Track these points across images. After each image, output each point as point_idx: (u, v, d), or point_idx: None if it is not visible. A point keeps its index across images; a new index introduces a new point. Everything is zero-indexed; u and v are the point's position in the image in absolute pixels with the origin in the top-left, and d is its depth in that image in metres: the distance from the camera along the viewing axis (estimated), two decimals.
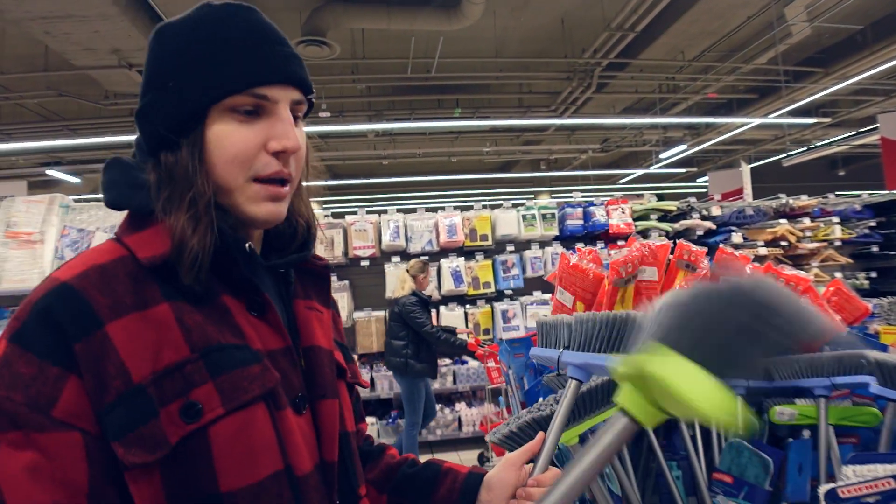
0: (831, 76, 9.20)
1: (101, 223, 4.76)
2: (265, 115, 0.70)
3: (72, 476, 0.56)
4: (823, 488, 1.09)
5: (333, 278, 4.70)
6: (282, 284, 0.79)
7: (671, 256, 1.59)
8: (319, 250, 3.98)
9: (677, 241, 1.63)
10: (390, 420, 4.60)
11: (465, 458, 4.44)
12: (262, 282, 0.74)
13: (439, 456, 4.54)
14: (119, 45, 6.52)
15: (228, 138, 0.68)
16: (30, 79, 7.69)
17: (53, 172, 10.45)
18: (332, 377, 0.78)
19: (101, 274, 0.63)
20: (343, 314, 4.53)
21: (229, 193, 0.70)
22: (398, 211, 4.79)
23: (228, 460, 0.62)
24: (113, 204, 0.70)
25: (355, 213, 4.79)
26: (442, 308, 4.65)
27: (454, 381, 4.61)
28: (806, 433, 1.40)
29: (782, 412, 1.38)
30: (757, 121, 10.22)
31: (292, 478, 0.66)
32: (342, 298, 4.56)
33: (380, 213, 4.84)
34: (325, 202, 15.94)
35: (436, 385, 4.62)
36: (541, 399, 1.23)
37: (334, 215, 5.04)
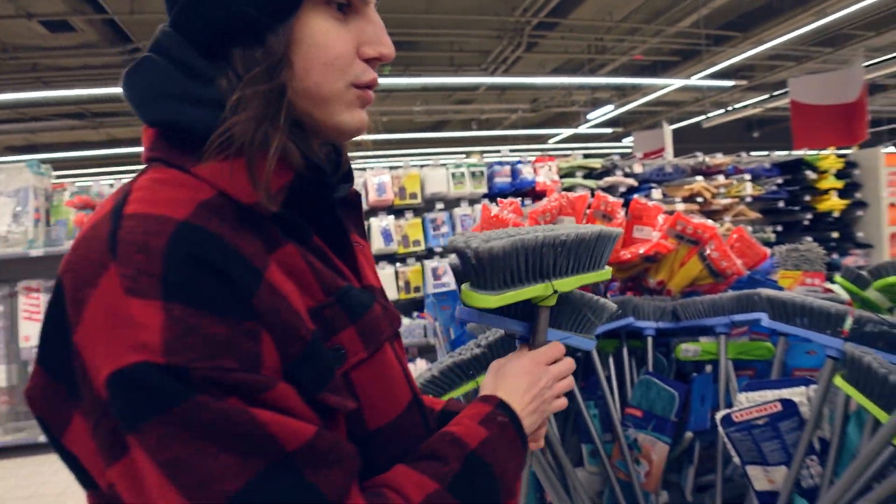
0: (749, 41, 9.61)
1: (4, 187, 4.42)
2: (356, 14, 0.61)
3: (305, 412, 0.52)
4: (719, 414, 1.19)
5: None
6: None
7: (589, 208, 1.64)
8: None
9: (596, 192, 1.69)
10: None
11: None
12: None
13: None
14: None
15: (327, 36, 0.58)
16: None
17: None
18: (396, 313, 0.72)
19: (219, 215, 0.52)
20: None
21: (323, 103, 0.60)
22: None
23: (373, 400, 0.60)
24: (164, 122, 0.56)
25: None
26: None
27: None
28: (708, 368, 1.51)
29: (687, 349, 1.48)
30: (679, 83, 10.57)
31: (419, 403, 0.68)
32: None
33: None
34: None
35: None
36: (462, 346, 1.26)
37: None
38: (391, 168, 4.79)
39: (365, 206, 4.63)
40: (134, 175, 0.58)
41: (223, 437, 0.46)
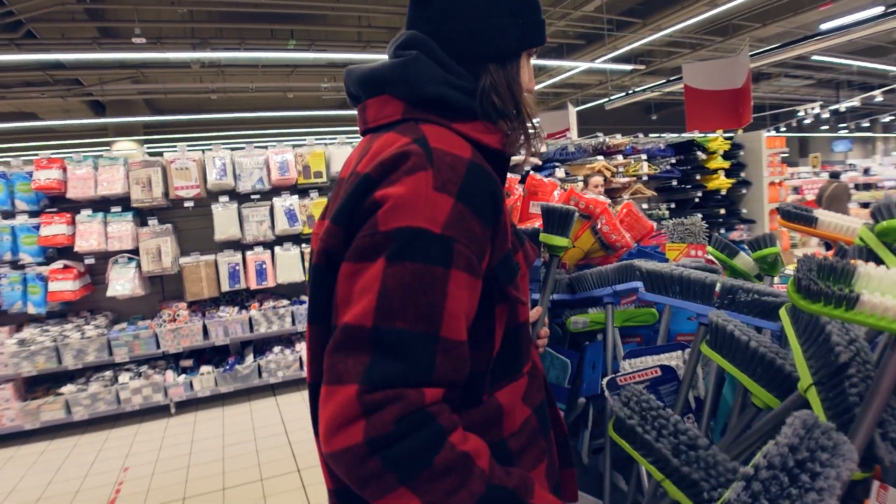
0: (648, 27, 10.03)
1: None
2: (527, 63, 0.94)
3: (472, 308, 0.78)
4: (605, 379, 1.24)
5: (154, 222, 4.31)
6: None
7: None
8: (135, 191, 3.60)
9: None
10: (228, 367, 4.43)
11: (307, 397, 4.42)
12: None
13: (282, 399, 4.51)
14: None
15: (528, 71, 0.94)
16: None
17: None
18: None
19: (481, 156, 0.82)
20: (167, 260, 4.19)
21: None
22: (225, 148, 4.46)
23: (523, 301, 0.89)
24: (436, 97, 0.84)
25: (175, 149, 4.37)
26: (277, 248, 4.48)
27: (293, 322, 4.53)
28: (599, 336, 1.57)
29: (576, 321, 1.53)
30: (584, 65, 10.90)
31: (527, 320, 0.96)
32: (166, 243, 4.21)
33: (203, 150, 4.47)
34: (146, 141, 14.45)
35: (274, 326, 4.50)
36: None
37: (151, 154, 4.56)
38: (294, 146, 4.62)
39: (267, 186, 4.44)
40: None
41: (425, 300, 0.71)
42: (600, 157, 5.44)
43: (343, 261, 0.76)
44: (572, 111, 8.34)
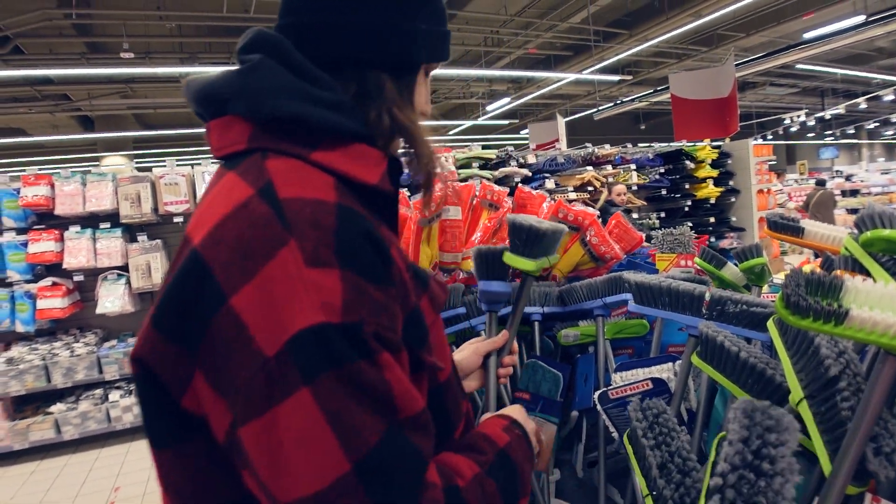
0: (635, 38, 10.15)
1: None
2: (426, 78, 0.79)
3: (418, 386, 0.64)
4: (596, 393, 1.24)
5: (143, 238, 4.29)
6: None
7: (476, 197, 1.66)
8: (124, 207, 3.57)
9: (481, 182, 1.70)
10: None
11: None
12: None
13: None
14: None
15: (425, 91, 0.78)
16: None
17: None
18: None
19: (350, 196, 0.63)
20: (157, 276, 4.16)
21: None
22: (214, 163, 4.45)
23: (440, 356, 0.71)
24: (286, 116, 0.63)
25: (164, 165, 4.36)
26: None
27: None
28: (591, 349, 1.57)
29: (567, 334, 1.53)
30: (571, 76, 11.00)
31: (455, 371, 0.81)
32: (155, 259, 4.18)
33: (193, 164, 4.46)
34: (136, 155, 14.39)
35: None
36: None
37: (140, 169, 4.55)
38: None
39: None
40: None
41: (371, 397, 0.55)
42: (590, 168, 5.47)
43: (236, 425, 0.54)
44: (561, 122, 8.40)
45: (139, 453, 3.99)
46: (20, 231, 4.11)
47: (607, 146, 5.90)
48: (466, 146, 5.36)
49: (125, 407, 4.15)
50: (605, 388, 1.23)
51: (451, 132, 16.97)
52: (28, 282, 4.09)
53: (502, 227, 1.67)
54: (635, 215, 6.03)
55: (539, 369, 1.52)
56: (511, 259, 1.15)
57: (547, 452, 1.51)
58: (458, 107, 15.54)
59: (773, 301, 1.21)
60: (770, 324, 0.93)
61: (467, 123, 15.35)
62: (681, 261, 2.05)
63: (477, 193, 1.65)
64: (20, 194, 4.04)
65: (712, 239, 6.26)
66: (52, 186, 4.12)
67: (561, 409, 1.52)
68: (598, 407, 1.23)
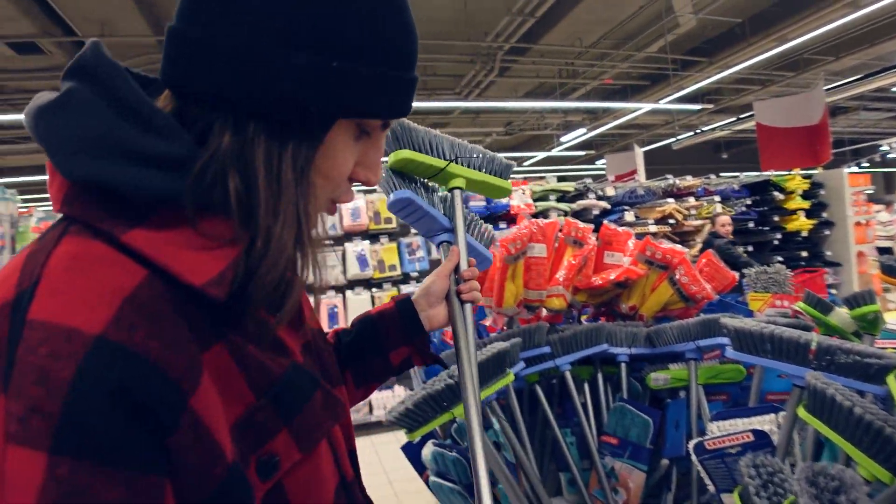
0: (715, 65, 9.89)
1: None
2: (369, 138, 0.60)
3: None
4: (692, 443, 1.19)
5: None
6: None
7: (560, 233, 1.65)
8: None
9: (566, 218, 1.70)
10: None
11: (377, 442, 4.44)
12: None
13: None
14: None
15: (341, 154, 0.56)
16: None
17: None
18: (332, 360, 0.71)
19: (148, 316, 0.43)
20: None
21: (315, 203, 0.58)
22: None
23: (303, 499, 0.55)
24: (95, 181, 0.45)
25: None
26: (348, 292, 4.60)
27: None
28: (682, 394, 1.51)
29: (657, 378, 1.48)
30: (648, 106, 10.81)
31: (346, 485, 0.63)
32: None
33: None
34: None
35: None
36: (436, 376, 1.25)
37: None
38: (365, 193, 4.78)
39: (339, 232, 4.60)
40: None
41: None
42: (671, 200, 5.33)
43: None
44: (639, 152, 8.26)
45: None
46: None
47: (689, 177, 5.73)
48: (542, 177, 5.35)
49: None
50: (701, 438, 1.18)
51: (524, 164, 17.00)
52: None
53: (588, 264, 1.65)
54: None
55: (628, 413, 1.47)
56: (403, 155, 0.97)
57: (635, 501, 1.46)
58: (532, 138, 15.56)
59: (888, 351, 1.13)
60: (891, 378, 0.87)
61: (541, 155, 15.33)
62: (776, 300, 1.95)
63: (561, 230, 1.65)
64: None
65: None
66: None
67: (650, 456, 1.46)
68: (694, 458, 1.17)
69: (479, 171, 1.06)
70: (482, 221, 1.12)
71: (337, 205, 0.63)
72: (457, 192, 1.02)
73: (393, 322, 0.93)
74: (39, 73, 7.88)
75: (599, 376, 1.58)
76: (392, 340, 0.92)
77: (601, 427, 1.55)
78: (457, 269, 0.95)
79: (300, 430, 0.54)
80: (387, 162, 0.99)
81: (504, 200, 4.76)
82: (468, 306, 0.94)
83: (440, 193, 1.05)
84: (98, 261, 0.44)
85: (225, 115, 0.50)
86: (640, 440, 1.46)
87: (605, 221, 1.77)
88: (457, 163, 1.02)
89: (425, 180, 1.04)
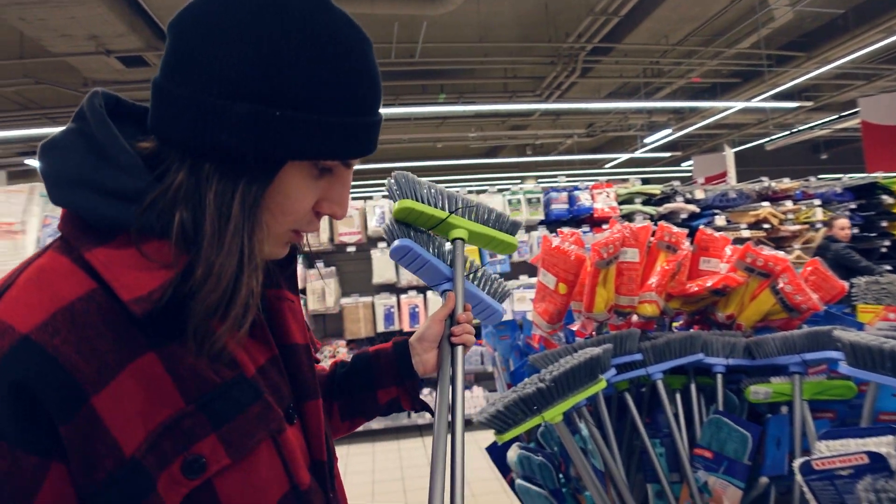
0: (813, 60, 9.28)
1: None
2: (332, 174, 0.64)
3: None
4: (798, 461, 1.13)
5: (320, 265, 4.69)
6: None
7: (652, 238, 1.61)
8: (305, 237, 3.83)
9: (658, 223, 1.65)
10: None
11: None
12: None
13: (429, 440, 4.57)
14: (96, 31, 6.40)
15: (296, 192, 0.61)
16: (6, 67, 7.53)
17: (32, 162, 10.27)
18: (312, 375, 0.75)
19: (75, 326, 0.52)
20: (330, 300, 4.54)
21: (266, 235, 0.63)
22: (384, 197, 4.79)
23: (238, 501, 0.59)
24: (71, 209, 0.57)
25: None
26: (429, 293, 4.67)
27: None
28: (784, 409, 1.44)
29: (757, 391, 1.41)
30: (740, 105, 10.29)
31: (298, 494, 0.65)
32: (329, 284, 4.57)
33: (365, 199, 4.83)
34: None
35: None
36: (525, 379, 1.25)
37: None
38: None
39: None
40: None
41: None
42: (766, 203, 5.05)
43: None
44: (729, 153, 7.88)
45: None
46: None
47: (786, 179, 5.41)
48: (625, 180, 5.21)
49: None
50: (808, 458, 1.11)
51: (606, 166, 16.61)
52: None
53: (682, 270, 1.60)
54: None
55: (724, 427, 1.41)
56: (407, 205, 0.99)
57: None
58: (614, 140, 15.19)
59: None
60: None
61: (623, 157, 14.92)
62: (889, 313, 1.81)
63: (654, 235, 1.60)
64: None
65: None
66: None
67: (748, 472, 1.40)
68: (800, 477, 1.11)
69: (484, 224, 1.08)
70: (496, 276, 1.13)
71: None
72: (458, 242, 1.04)
73: (387, 361, 0.98)
74: (146, 84, 8.51)
75: (693, 387, 1.52)
76: (383, 379, 0.97)
77: (693, 439, 1.50)
78: (453, 315, 0.97)
79: (230, 437, 0.58)
80: (391, 212, 1.04)
81: (587, 203, 4.67)
82: (459, 351, 0.95)
83: (448, 246, 1.06)
84: (56, 273, 0.54)
85: (184, 156, 0.57)
86: (737, 455, 1.40)
87: (701, 226, 1.70)
88: (459, 215, 1.04)
89: (430, 232, 1.07)
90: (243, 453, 0.59)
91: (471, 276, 1.08)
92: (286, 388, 0.69)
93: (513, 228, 1.11)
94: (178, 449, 0.55)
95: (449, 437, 0.85)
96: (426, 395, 4.76)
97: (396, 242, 1.00)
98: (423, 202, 1.02)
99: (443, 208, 1.03)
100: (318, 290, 4.57)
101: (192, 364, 0.57)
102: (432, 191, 1.04)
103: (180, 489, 0.55)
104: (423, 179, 1.05)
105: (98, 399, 0.51)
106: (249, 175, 0.57)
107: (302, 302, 4.55)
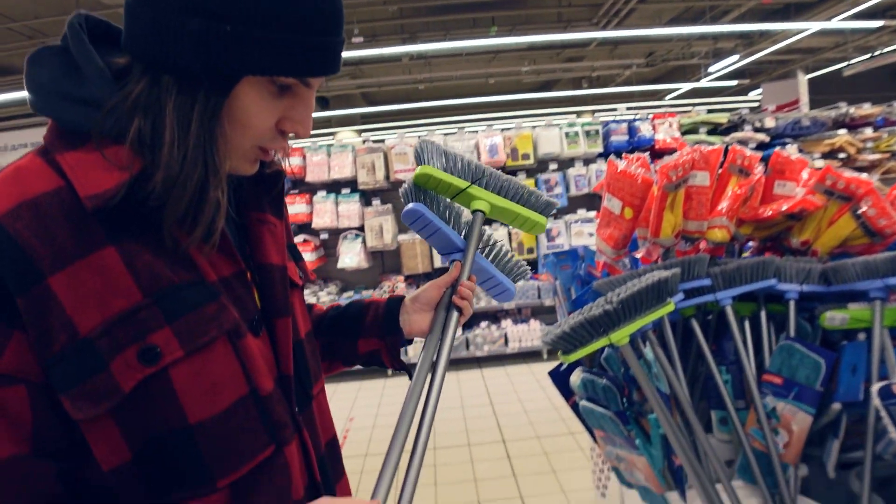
0: None
1: None
2: (293, 93, 0.66)
3: (17, 427, 0.57)
4: (877, 385, 1.10)
5: (377, 202, 4.74)
6: (231, 192, 0.76)
7: (724, 161, 1.55)
8: (361, 175, 3.96)
9: (731, 145, 1.58)
10: None
11: (511, 372, 4.58)
12: None
13: (487, 371, 4.70)
14: None
15: (254, 107, 0.64)
16: (61, 22, 7.69)
17: None
18: (285, 294, 0.77)
19: (37, 215, 0.57)
20: (388, 237, 4.61)
21: (225, 150, 0.64)
22: (445, 134, 4.77)
23: (194, 395, 0.63)
24: (51, 116, 0.62)
25: (394, 136, 4.77)
26: (486, 228, 4.67)
27: None
28: (861, 336, 1.39)
29: (833, 317, 1.37)
30: (816, 26, 9.51)
31: (258, 398, 0.68)
32: (387, 221, 4.63)
33: (419, 136, 4.81)
34: (363, 130, 15.87)
35: (481, 303, 4.72)
36: (591, 303, 1.24)
37: (374, 141, 5.02)
38: (503, 129, 4.74)
39: None
40: None
41: None
42: (842, 131, 4.73)
43: None
44: (802, 80, 7.38)
45: (368, 391, 4.53)
46: None
47: (866, 105, 5.04)
48: (687, 111, 4.97)
49: None
50: (887, 382, 1.08)
51: (667, 97, 15.86)
52: None
53: (754, 195, 1.54)
54: None
55: (796, 353, 1.38)
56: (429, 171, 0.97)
57: (798, 445, 1.38)
58: (675, 69, 14.40)
59: None
60: None
61: (686, 87, 14.17)
62: None
63: (725, 157, 1.54)
64: None
65: None
66: (304, 157, 4.75)
67: (819, 399, 1.37)
68: (878, 402, 1.09)
69: (509, 199, 1.02)
70: (514, 254, 1.09)
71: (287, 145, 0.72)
72: (478, 214, 1.00)
73: (376, 313, 0.99)
74: None
75: (762, 314, 1.49)
76: (367, 329, 0.98)
77: (760, 367, 1.48)
78: (455, 284, 0.94)
79: (182, 330, 0.62)
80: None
81: (648, 134, 4.50)
82: (453, 319, 0.92)
83: (466, 217, 1.02)
84: (29, 172, 0.60)
85: (145, 69, 0.61)
86: (808, 382, 1.37)
87: (777, 148, 1.62)
88: (482, 186, 1.00)
89: (449, 200, 1.03)
90: (196, 348, 0.62)
91: (486, 250, 1.05)
92: (252, 303, 0.72)
93: (546, 208, 1.06)
94: (133, 337, 0.59)
95: (423, 400, 0.81)
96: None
97: (409, 206, 0.97)
98: (445, 171, 0.98)
99: (466, 179, 0.99)
100: (376, 227, 4.64)
101: (151, 262, 0.61)
102: (458, 162, 1.00)
103: (135, 374, 0.59)
104: (453, 150, 1.02)
105: (55, 280, 0.57)
106: (206, 88, 0.60)
107: (360, 239, 4.66)
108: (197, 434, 0.63)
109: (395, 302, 1.00)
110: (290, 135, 0.70)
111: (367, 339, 0.99)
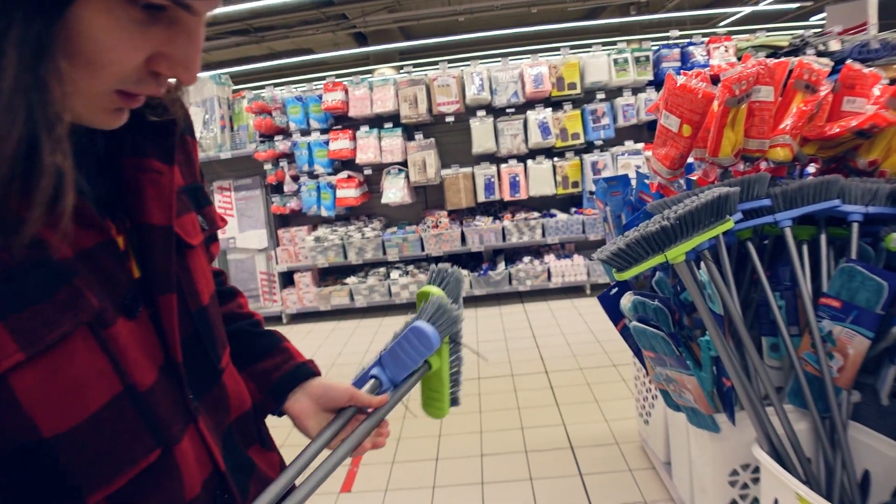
0: None
1: (192, 98, 4.92)
2: (173, 23, 0.50)
3: None
4: None
5: (419, 136, 4.70)
6: (98, 135, 0.60)
7: (789, 77, 1.47)
8: (403, 108, 3.89)
9: (798, 59, 1.49)
10: (482, 272, 4.81)
11: (554, 307, 4.61)
12: None
13: (529, 306, 4.74)
14: None
15: (106, 37, 0.47)
16: None
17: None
18: (168, 262, 0.63)
19: None
20: (431, 171, 4.59)
21: (72, 95, 0.48)
22: (481, 64, 4.63)
23: (47, 403, 0.50)
24: None
25: (437, 68, 4.67)
26: (530, 162, 4.59)
27: (543, 234, 4.67)
28: None
29: None
30: None
31: (135, 396, 0.57)
32: (430, 156, 4.59)
33: (462, 67, 4.69)
34: (402, 66, 15.60)
35: (525, 237, 4.71)
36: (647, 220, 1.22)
37: (415, 73, 4.93)
38: (548, 58, 4.58)
39: (521, 100, 4.52)
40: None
41: None
42: None
43: None
44: (872, 1, 6.80)
45: (343, 331, 4.64)
46: (323, 131, 4.83)
47: None
48: (745, 37, 4.69)
49: (402, 285, 4.81)
50: None
51: (721, 24, 14.95)
52: (329, 174, 4.83)
53: (820, 112, 1.46)
54: None
55: (857, 275, 1.34)
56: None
57: (852, 370, 1.36)
58: None
59: None
60: None
61: (745, 10, 13.31)
62: None
63: (792, 72, 1.46)
64: (322, 99, 4.72)
65: None
66: (346, 92, 4.71)
67: (878, 322, 1.34)
68: None
69: (450, 375, 0.92)
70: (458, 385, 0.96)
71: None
72: (426, 366, 0.88)
73: (277, 367, 0.86)
74: None
75: (823, 237, 1.44)
76: (256, 371, 0.86)
77: (817, 293, 1.44)
78: (366, 409, 0.82)
79: (22, 328, 0.48)
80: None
81: (702, 60, 4.28)
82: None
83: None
84: None
85: None
86: (868, 305, 1.34)
87: (848, 62, 1.52)
88: (450, 350, 0.90)
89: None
90: (41, 347, 0.49)
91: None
92: (126, 277, 0.58)
93: (454, 401, 0.94)
94: None
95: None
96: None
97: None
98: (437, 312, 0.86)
99: (445, 331, 0.86)
100: (419, 161, 4.62)
101: None
102: (453, 308, 0.87)
103: None
104: (459, 309, 0.90)
105: None
106: (27, 8, 0.43)
107: (404, 174, 4.66)
108: (56, 448, 0.51)
109: (304, 374, 0.87)
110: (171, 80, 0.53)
111: (249, 379, 0.85)
